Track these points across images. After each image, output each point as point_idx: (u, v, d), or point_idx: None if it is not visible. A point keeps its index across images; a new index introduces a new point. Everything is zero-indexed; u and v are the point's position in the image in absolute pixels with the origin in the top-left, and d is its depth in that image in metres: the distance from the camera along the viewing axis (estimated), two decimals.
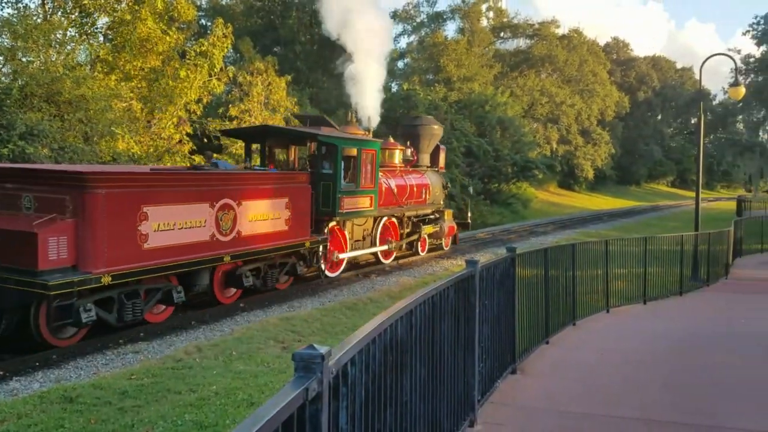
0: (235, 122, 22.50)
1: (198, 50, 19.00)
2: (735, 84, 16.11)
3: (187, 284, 10.07)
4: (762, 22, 36.30)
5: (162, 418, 5.81)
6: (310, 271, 13.26)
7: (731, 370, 7.09)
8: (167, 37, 17.73)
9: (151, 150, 17.30)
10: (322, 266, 13.29)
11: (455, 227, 18.84)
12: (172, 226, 9.29)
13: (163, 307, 9.84)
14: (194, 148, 20.20)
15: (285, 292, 12.23)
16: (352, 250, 14.21)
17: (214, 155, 13.23)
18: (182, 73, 17.81)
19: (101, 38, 19.20)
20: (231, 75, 21.47)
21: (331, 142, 13.08)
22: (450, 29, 52.43)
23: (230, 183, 10.58)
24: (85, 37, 18.30)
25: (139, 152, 16.98)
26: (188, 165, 16.18)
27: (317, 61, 35.15)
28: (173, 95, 17.48)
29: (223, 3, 37.43)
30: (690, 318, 10.75)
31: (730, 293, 13.82)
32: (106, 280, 8.33)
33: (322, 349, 2.03)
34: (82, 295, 8.21)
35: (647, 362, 7.40)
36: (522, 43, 58.79)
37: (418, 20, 53.60)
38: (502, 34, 57.81)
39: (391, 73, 50.97)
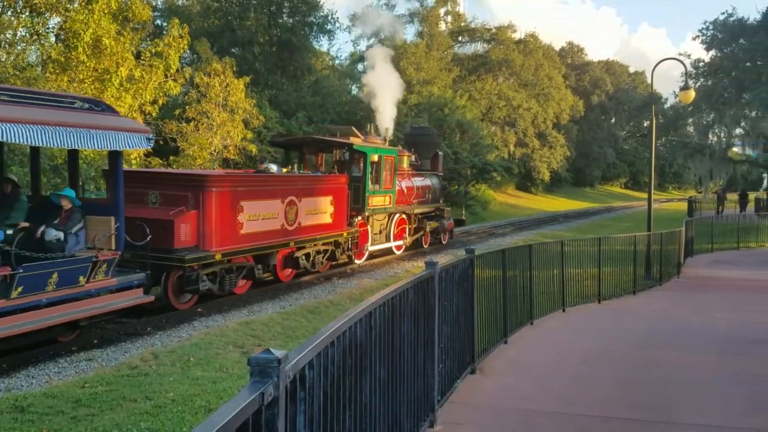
0: (192, 124, 22.16)
1: (153, 51, 18.65)
2: (685, 88, 16.56)
3: (260, 264, 12.46)
4: (711, 27, 37.36)
5: (117, 426, 5.68)
6: (341, 258, 15.49)
7: (684, 367, 7.29)
8: (122, 38, 17.35)
9: (105, 152, 16.86)
10: (352, 255, 15.73)
11: (453, 224, 21.44)
12: (257, 217, 11.82)
13: (244, 281, 12.19)
14: (150, 150, 19.77)
15: (245, 296, 12.17)
16: (373, 242, 16.85)
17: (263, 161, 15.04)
18: (137, 74, 17.45)
19: (53, 38, 18.69)
20: (188, 76, 21.12)
21: (362, 150, 15.71)
22: (409, 33, 53.15)
23: (294, 183, 13.17)
24: (36, 37, 17.78)
25: (92, 155, 16.58)
26: (155, 166, 16.11)
27: (276, 62, 34.83)
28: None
29: (179, 3, 36.82)
30: (644, 316, 11.01)
31: (682, 292, 14.21)
32: (218, 257, 10.86)
33: (279, 353, 2.01)
34: (199, 268, 10.65)
35: (603, 360, 7.55)
36: (479, 47, 59.42)
37: (378, 23, 53.71)
38: (460, 38, 58.35)
39: (351, 75, 51.00)
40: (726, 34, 36.47)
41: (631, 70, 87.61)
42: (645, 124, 71.25)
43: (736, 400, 6.03)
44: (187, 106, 22.58)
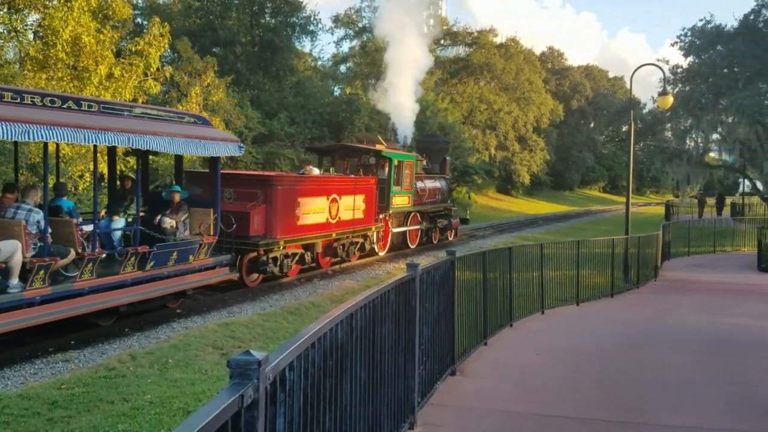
0: None
1: (133, 49, 18.46)
2: (663, 93, 16.75)
3: (308, 251, 14.59)
4: (689, 34, 37.79)
5: (94, 428, 5.61)
6: (368, 250, 17.63)
7: (661, 369, 7.37)
8: (101, 36, 17.14)
9: (84, 150, 16.67)
10: (375, 247, 17.94)
11: (459, 222, 24.04)
12: (309, 211, 14.04)
13: (294, 265, 14.26)
14: (129, 149, 19.55)
15: (225, 297, 12.11)
16: (393, 236, 19.08)
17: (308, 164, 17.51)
18: (116, 73, 17.26)
19: (31, 36, 18.41)
20: (168, 75, 20.94)
21: (388, 156, 18.13)
22: None
23: (336, 183, 15.43)
24: (14, 34, 17.51)
25: (70, 153, 16.38)
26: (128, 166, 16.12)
27: (258, 63, 34.65)
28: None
29: (160, 2, 36.47)
30: (621, 318, 11.12)
31: (659, 294, 14.36)
32: (282, 243, 13.19)
33: (259, 355, 2.00)
34: (266, 253, 12.89)
35: (581, 362, 7.61)
36: (461, 50, 59.69)
37: (360, 25, 53.75)
38: (442, 42, 58.54)
39: (334, 77, 50.87)
40: (704, 40, 36.95)
41: (611, 75, 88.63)
42: (624, 129, 71.96)
43: (713, 401, 6.12)
44: (167, 105, 22.37)
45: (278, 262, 13.41)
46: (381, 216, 17.71)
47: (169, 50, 25.77)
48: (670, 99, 17.43)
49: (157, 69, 19.31)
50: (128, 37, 21.97)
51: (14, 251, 7.71)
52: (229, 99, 23.77)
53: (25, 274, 7.84)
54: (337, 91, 44.62)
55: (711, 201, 44.89)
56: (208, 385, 6.86)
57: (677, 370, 7.36)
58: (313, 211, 14.18)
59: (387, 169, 18.08)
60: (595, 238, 15.04)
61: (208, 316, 10.82)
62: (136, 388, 6.76)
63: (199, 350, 8.50)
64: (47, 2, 17.00)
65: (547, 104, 63.54)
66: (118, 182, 11.74)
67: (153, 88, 19.04)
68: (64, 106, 8.14)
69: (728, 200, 44.97)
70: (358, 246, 16.75)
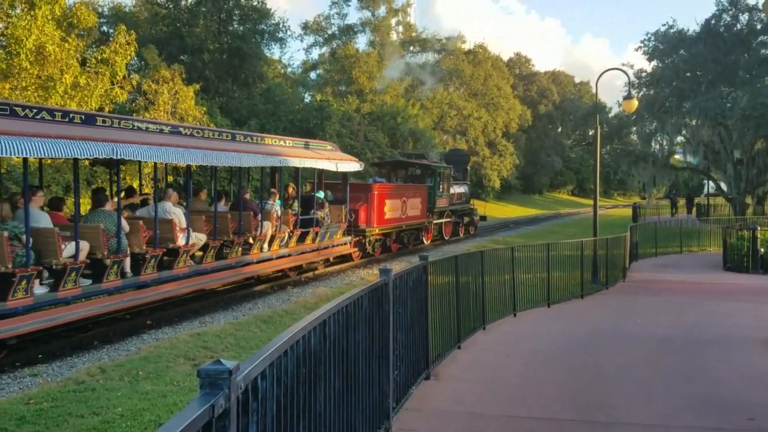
0: None
1: (99, 57, 18.21)
2: (628, 97, 17.03)
3: (386, 238, 20.25)
4: (652, 38, 38.51)
5: None
6: (418, 240, 23.27)
7: (629, 368, 7.49)
8: (66, 44, 16.87)
9: (49, 161, 16.36)
10: (423, 238, 23.44)
11: (479, 219, 30.39)
12: (390, 209, 19.67)
13: (378, 247, 20.16)
14: (96, 158, 19.21)
15: (197, 306, 11.98)
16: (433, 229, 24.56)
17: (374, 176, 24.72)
18: (82, 81, 17.00)
19: None
20: (135, 83, 20.68)
21: (435, 169, 24.25)
22: (361, 42, 53.14)
23: (405, 189, 21.46)
24: None
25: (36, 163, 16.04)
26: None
27: (227, 70, 34.41)
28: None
29: (126, 10, 36.06)
30: (591, 319, 11.25)
31: (628, 295, 14.57)
32: (376, 231, 19.14)
33: (230, 364, 1.99)
34: (366, 237, 18.77)
35: (552, 363, 7.69)
36: (430, 57, 60.10)
37: (329, 32, 53.79)
38: (411, 48, 58.88)
39: (304, 83, 50.76)
40: (667, 45, 37.67)
41: (577, 80, 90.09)
42: (590, 133, 73.00)
43: (679, 398, 6.23)
44: (134, 114, 22.09)
45: (371, 244, 19.12)
46: (427, 214, 22.78)
47: (135, 58, 25.48)
48: (635, 103, 17.74)
49: (124, 77, 19.07)
50: (94, 46, 21.67)
51: (268, 228, 13.55)
52: (198, 107, 23.54)
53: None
54: (307, 98, 44.54)
55: (682, 201, 46.23)
56: (180, 396, 6.77)
57: (645, 368, 7.47)
58: (393, 209, 19.72)
59: (433, 178, 23.69)
60: (564, 241, 15.21)
61: (179, 327, 10.68)
62: (107, 401, 6.65)
63: (170, 361, 8.38)
64: (10, 11, 16.69)
65: (515, 109, 64.30)
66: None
67: (119, 97, 18.80)
68: (267, 143, 13.70)
69: (695, 201, 45.99)
70: (414, 236, 22.51)
